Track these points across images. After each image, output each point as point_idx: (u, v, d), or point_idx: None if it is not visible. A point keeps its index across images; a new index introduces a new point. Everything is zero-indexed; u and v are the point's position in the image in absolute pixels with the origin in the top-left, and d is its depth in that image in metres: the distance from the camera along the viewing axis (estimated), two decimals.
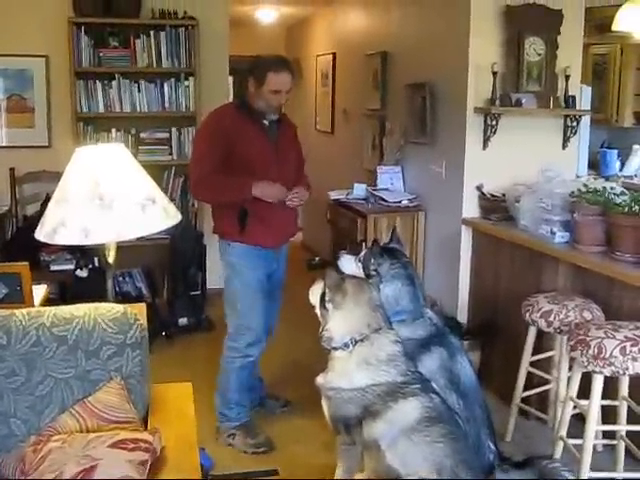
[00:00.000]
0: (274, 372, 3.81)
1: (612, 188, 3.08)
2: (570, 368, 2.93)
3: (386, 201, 4.41)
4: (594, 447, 2.73)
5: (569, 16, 3.94)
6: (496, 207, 3.91)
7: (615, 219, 2.91)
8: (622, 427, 2.85)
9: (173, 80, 4.91)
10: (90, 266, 4.73)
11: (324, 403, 2.56)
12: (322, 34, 6.82)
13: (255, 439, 3.18)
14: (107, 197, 2.11)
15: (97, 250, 4.68)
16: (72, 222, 2.08)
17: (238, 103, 3.22)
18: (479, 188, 3.99)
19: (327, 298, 2.51)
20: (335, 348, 2.48)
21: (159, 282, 5.11)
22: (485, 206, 3.98)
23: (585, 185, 3.12)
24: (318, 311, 2.57)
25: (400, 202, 4.38)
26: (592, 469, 2.62)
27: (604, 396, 2.68)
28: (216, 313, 4.82)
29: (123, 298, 4.72)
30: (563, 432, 2.81)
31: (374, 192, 4.54)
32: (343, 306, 2.47)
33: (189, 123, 4.98)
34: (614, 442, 2.95)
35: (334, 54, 6.33)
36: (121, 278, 5.14)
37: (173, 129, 4.99)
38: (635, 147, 5.58)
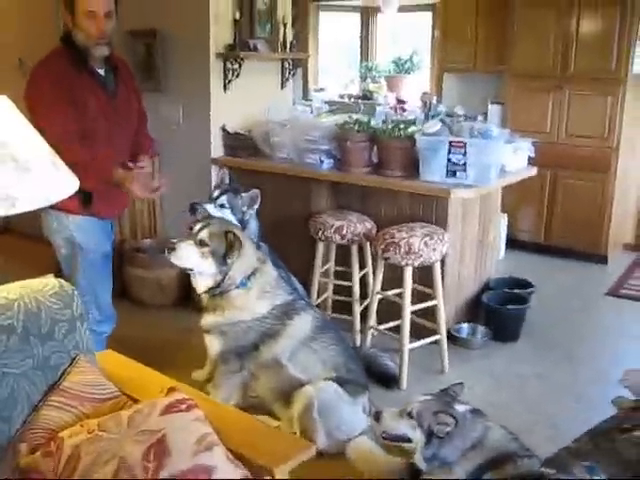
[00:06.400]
0: None
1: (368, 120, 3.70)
2: (374, 270, 3.49)
3: None
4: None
5: None
6: (242, 145, 4.21)
7: (384, 143, 3.55)
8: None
9: None
10: None
11: (213, 340, 2.67)
12: None
13: None
14: (21, 158, 1.80)
15: None
16: None
17: (63, 44, 2.65)
18: (223, 128, 4.23)
19: (229, 257, 2.55)
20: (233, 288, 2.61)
21: None
22: (231, 145, 4.24)
23: (350, 117, 3.67)
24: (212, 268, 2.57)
25: None
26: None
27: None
28: None
29: None
30: (372, 322, 3.42)
31: None
32: (242, 253, 2.60)
33: None
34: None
35: None
36: None
37: None
38: None
